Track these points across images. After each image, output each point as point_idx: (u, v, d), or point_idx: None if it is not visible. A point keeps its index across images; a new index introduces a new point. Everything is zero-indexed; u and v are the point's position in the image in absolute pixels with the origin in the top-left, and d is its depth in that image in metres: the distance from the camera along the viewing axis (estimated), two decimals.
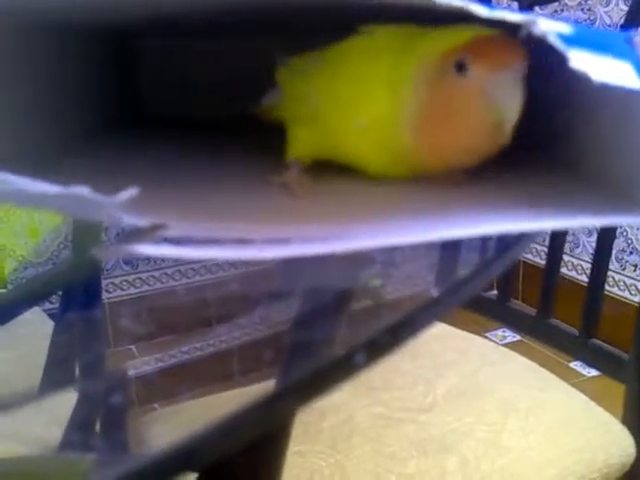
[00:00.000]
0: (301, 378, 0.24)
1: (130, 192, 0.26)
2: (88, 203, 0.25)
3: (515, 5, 0.85)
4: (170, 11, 0.45)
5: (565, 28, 0.30)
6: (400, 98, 0.41)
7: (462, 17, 0.31)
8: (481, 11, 0.30)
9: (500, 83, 0.38)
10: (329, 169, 0.47)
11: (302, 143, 0.48)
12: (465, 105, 0.39)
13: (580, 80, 0.29)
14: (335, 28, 0.46)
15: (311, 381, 0.25)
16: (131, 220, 0.27)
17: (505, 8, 1.72)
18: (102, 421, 0.57)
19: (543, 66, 0.47)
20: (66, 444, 0.53)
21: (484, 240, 0.32)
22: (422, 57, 0.41)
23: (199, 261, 1.59)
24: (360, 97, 0.43)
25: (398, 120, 0.41)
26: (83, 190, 0.25)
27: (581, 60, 0.29)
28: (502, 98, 0.38)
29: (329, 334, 0.32)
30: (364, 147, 0.44)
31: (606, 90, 0.30)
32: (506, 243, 0.33)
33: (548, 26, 0.30)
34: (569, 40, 0.30)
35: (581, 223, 0.33)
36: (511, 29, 0.31)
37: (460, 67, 0.38)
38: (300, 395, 0.25)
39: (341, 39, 0.47)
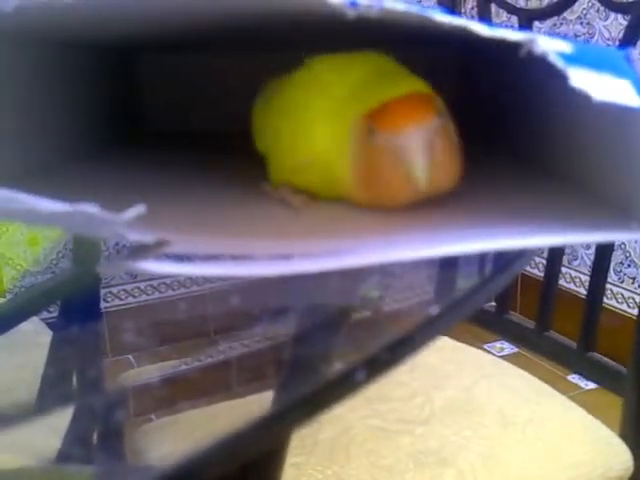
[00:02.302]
0: (301, 397, 0.24)
1: (137, 210, 0.26)
2: (95, 221, 0.25)
3: (514, 19, 0.86)
4: (169, 28, 0.45)
5: (565, 46, 0.31)
6: (341, 142, 0.44)
7: (453, 36, 0.31)
8: (482, 30, 0.30)
9: (405, 143, 0.40)
10: None
11: (276, 173, 0.49)
12: (380, 164, 0.42)
13: (579, 96, 0.29)
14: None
15: (311, 400, 0.25)
16: (135, 237, 0.28)
17: (504, 22, 1.72)
18: (100, 432, 0.56)
19: (543, 81, 0.48)
20: (64, 455, 0.53)
21: (483, 254, 0.32)
22: (356, 111, 0.43)
23: None
24: (303, 134, 0.46)
25: (340, 164, 0.44)
26: (92, 208, 0.25)
27: (580, 78, 0.29)
28: (409, 157, 0.40)
29: (328, 348, 0.32)
30: (315, 181, 0.46)
31: (605, 106, 0.30)
32: (506, 259, 0.33)
33: (548, 45, 0.30)
34: (569, 58, 0.30)
35: (578, 239, 0.33)
36: (512, 47, 0.31)
37: (370, 131, 0.41)
38: (300, 415, 0.25)
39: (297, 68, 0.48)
